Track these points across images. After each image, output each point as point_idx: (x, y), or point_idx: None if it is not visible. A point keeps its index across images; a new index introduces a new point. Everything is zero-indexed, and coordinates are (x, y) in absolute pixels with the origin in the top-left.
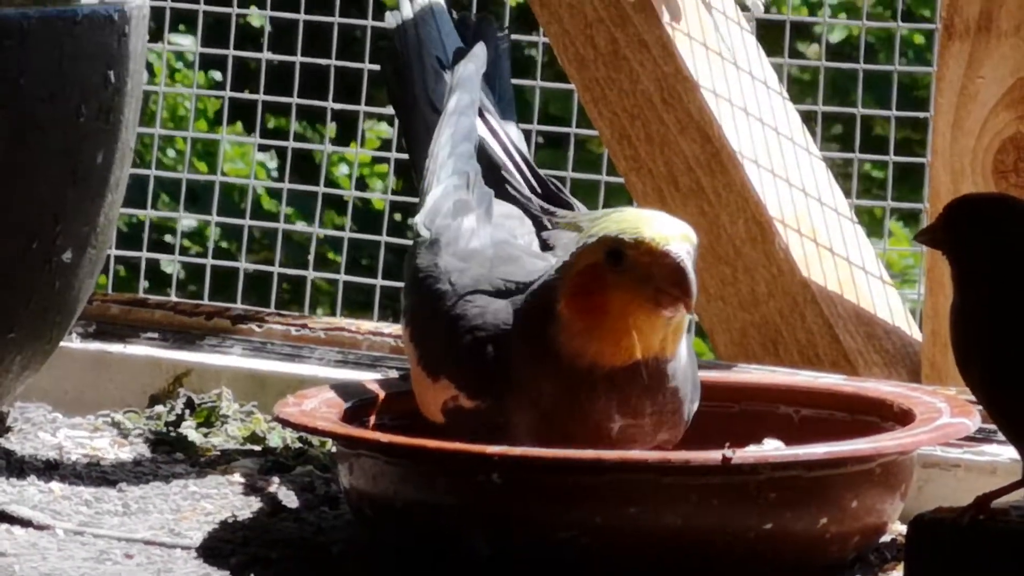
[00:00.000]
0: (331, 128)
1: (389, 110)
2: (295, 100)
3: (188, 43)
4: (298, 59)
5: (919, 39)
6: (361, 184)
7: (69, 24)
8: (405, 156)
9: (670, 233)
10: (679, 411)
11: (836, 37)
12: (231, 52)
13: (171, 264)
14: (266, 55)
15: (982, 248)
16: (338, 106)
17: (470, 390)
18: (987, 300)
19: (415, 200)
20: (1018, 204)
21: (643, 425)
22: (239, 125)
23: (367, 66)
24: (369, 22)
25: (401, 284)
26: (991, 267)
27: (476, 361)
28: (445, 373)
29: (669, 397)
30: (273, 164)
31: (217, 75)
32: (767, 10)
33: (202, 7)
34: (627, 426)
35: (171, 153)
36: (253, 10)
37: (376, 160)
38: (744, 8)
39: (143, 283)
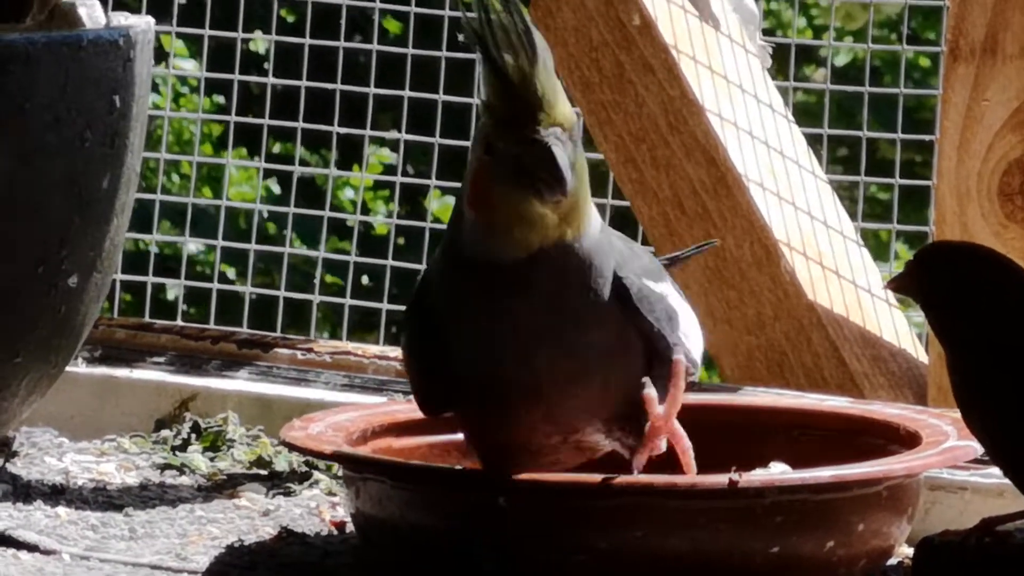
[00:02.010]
0: (334, 152)
1: (392, 135)
2: (300, 124)
3: (191, 67)
4: (303, 83)
5: (924, 62)
6: (363, 209)
7: (74, 49)
8: (408, 180)
9: (539, 117)
10: (602, 291)
11: (841, 60)
12: (236, 76)
13: (175, 289)
14: (271, 79)
15: (952, 299)
16: (343, 130)
17: (407, 324)
18: (970, 355)
19: (419, 224)
20: (989, 254)
21: (568, 314)
22: (243, 150)
23: (372, 90)
24: (374, 46)
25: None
26: (964, 320)
27: (414, 298)
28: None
29: (588, 280)
30: (277, 189)
31: (220, 99)
32: (771, 33)
33: (207, 31)
34: (550, 319)
35: (175, 178)
36: (257, 35)
37: (378, 185)
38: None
39: (148, 308)
